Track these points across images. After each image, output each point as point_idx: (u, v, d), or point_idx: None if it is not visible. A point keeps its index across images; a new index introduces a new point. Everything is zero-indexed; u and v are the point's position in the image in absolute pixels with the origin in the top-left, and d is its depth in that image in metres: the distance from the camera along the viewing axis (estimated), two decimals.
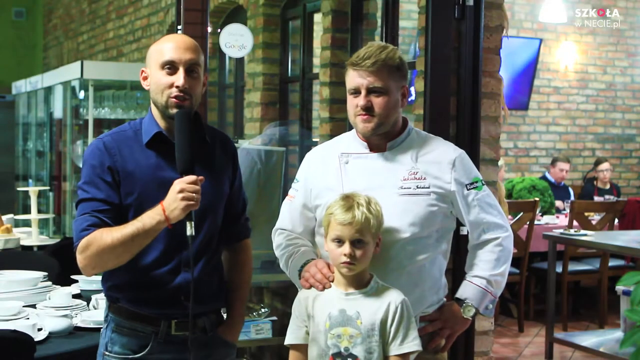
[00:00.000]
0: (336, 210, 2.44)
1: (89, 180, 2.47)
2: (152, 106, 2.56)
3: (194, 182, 2.39)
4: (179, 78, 2.47)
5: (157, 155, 2.51)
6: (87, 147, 2.56)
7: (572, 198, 8.23)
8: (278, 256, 2.73)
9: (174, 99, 2.47)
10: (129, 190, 2.47)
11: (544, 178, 8.25)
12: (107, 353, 2.54)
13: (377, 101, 2.55)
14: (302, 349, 2.50)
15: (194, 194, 2.37)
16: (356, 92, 2.57)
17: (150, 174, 2.49)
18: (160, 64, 2.49)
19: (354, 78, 2.57)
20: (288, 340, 2.52)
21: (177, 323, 2.52)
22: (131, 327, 2.52)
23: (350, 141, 2.69)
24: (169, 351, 2.52)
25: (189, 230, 2.41)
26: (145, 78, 2.56)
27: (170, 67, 2.48)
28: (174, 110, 2.47)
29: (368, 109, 2.55)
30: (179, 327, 2.52)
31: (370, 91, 2.55)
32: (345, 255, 2.40)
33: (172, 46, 2.50)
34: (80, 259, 2.43)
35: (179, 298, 2.50)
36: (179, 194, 2.36)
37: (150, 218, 2.38)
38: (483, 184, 2.66)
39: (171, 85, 2.47)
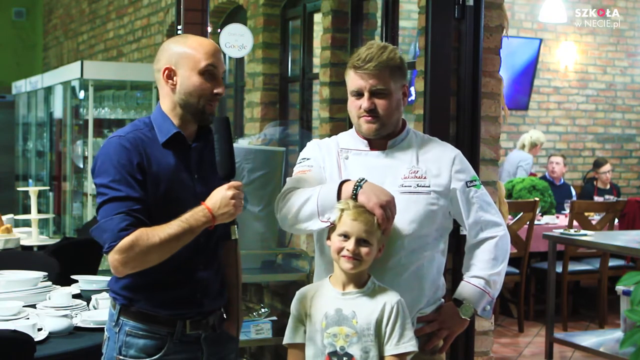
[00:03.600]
0: (350, 205, 2.43)
1: (120, 178, 2.42)
2: (169, 105, 2.53)
3: (239, 188, 2.44)
4: (219, 86, 2.51)
5: (174, 155, 2.52)
6: (105, 145, 2.49)
7: (574, 197, 8.21)
8: (286, 198, 2.58)
9: (210, 106, 2.51)
10: (153, 189, 2.46)
11: (544, 178, 8.24)
12: (121, 357, 2.52)
13: (381, 103, 2.56)
14: (301, 348, 2.50)
15: (242, 200, 2.44)
16: (359, 94, 2.58)
17: (170, 173, 2.49)
18: (199, 69, 2.48)
19: (356, 80, 2.57)
20: (286, 340, 2.53)
21: (191, 322, 2.54)
22: (148, 329, 2.51)
23: (350, 139, 2.69)
24: (183, 351, 2.54)
25: (234, 235, 2.48)
26: (170, 77, 2.51)
27: (211, 73, 2.50)
28: (207, 115, 2.51)
29: (372, 111, 2.56)
30: (192, 326, 2.54)
31: (373, 93, 2.56)
32: (348, 250, 2.40)
33: (212, 51, 2.51)
34: (119, 258, 2.37)
35: (194, 297, 2.53)
36: (231, 200, 2.41)
37: (195, 220, 2.40)
38: (480, 184, 2.68)
39: (211, 92, 2.50)
